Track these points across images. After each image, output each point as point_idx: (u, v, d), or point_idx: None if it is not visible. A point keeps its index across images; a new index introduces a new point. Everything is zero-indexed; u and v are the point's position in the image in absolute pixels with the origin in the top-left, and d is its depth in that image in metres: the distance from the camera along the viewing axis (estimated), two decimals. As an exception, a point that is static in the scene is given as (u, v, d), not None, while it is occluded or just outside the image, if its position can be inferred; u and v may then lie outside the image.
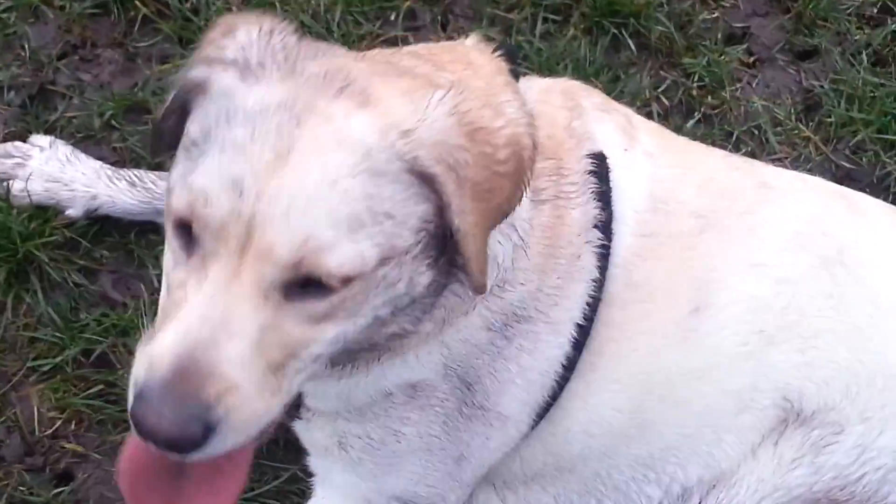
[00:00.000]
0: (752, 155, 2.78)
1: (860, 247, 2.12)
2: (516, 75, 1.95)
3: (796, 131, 2.86)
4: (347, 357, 1.82)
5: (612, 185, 1.94)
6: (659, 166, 2.05)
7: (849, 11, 3.04)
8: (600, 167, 1.95)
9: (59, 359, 2.38)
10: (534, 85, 2.02)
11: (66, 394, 2.33)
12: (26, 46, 2.75)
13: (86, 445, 2.31)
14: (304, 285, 1.52)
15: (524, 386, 1.97)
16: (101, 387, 2.34)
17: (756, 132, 2.85)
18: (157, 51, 2.77)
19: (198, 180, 1.50)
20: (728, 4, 3.04)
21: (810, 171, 2.68)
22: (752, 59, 2.99)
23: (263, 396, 1.54)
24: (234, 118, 1.55)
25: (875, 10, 3.07)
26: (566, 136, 1.94)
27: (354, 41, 2.78)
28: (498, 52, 1.93)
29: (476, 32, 2.05)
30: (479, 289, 1.67)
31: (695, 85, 2.89)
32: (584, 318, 1.93)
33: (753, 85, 2.95)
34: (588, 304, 1.93)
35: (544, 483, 2.16)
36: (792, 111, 2.89)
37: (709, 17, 3.01)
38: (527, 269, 1.86)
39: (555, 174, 1.90)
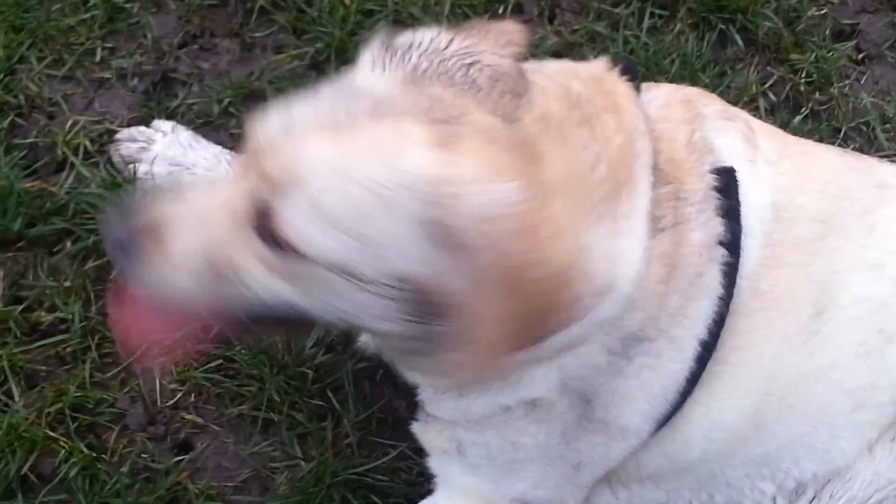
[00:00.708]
0: (861, 151, 2.78)
1: None
2: (638, 88, 1.98)
3: (908, 129, 2.88)
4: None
5: (740, 199, 1.96)
6: (779, 173, 2.06)
7: None
8: (727, 182, 1.96)
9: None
10: (654, 99, 2.03)
11: (186, 367, 2.41)
12: (148, 36, 2.85)
13: (204, 417, 2.39)
14: (263, 228, 1.61)
15: (646, 399, 1.99)
16: (220, 361, 2.41)
17: (864, 128, 2.89)
18: (272, 41, 2.85)
19: (268, 113, 1.64)
20: (836, 1, 3.08)
21: None
22: (860, 56, 3.04)
23: (188, 276, 1.70)
24: (338, 88, 1.65)
25: None
26: (687, 153, 1.95)
27: None
28: (620, 72, 1.95)
29: (604, 57, 2.04)
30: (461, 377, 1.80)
31: (802, 81, 2.93)
32: (710, 334, 1.95)
33: (862, 81, 2.99)
34: (715, 318, 1.94)
35: (658, 481, 2.18)
36: (902, 108, 2.92)
37: (817, 13, 3.05)
38: (645, 296, 1.88)
39: (673, 199, 1.90)
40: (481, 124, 1.62)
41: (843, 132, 2.84)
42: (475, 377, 1.80)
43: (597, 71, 1.95)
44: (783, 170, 2.06)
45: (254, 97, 2.75)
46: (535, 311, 1.59)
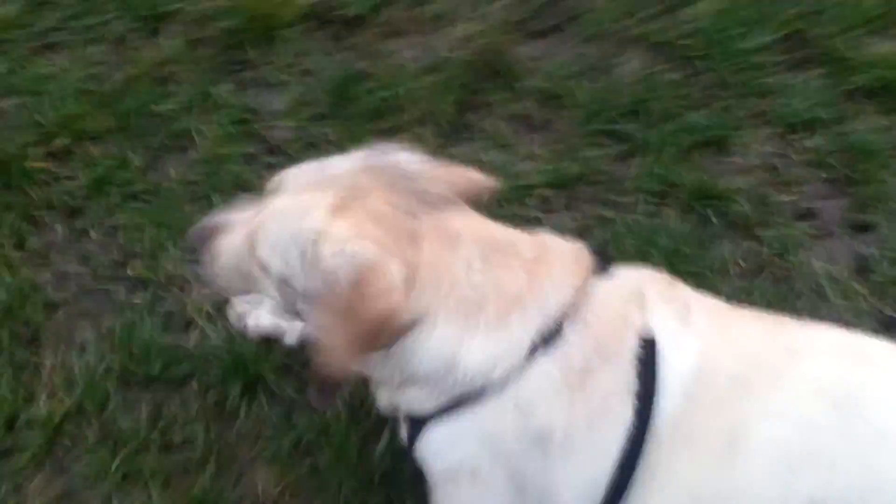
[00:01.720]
0: (814, 304, 3.31)
1: (869, 387, 2.48)
2: (604, 268, 2.51)
3: (851, 288, 3.39)
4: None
5: (657, 365, 2.40)
6: (707, 341, 2.49)
7: None
8: (649, 352, 2.41)
9: (277, 447, 3.04)
10: (617, 276, 2.52)
11: (283, 472, 2.98)
12: None
13: None
14: None
15: (577, 491, 2.41)
16: (308, 466, 2.99)
17: (816, 288, 3.38)
18: None
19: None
20: (797, 190, 3.65)
21: (860, 319, 3.25)
22: (816, 233, 3.55)
23: (224, 274, 2.60)
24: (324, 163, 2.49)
25: None
26: (614, 320, 2.41)
27: (499, 219, 3.51)
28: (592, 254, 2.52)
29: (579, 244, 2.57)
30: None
31: (767, 251, 3.46)
32: (628, 452, 2.36)
33: (816, 252, 3.50)
34: (631, 442, 2.36)
35: None
36: (847, 272, 3.44)
37: (781, 198, 3.62)
38: (547, 398, 2.34)
39: (591, 341, 2.36)
40: (375, 207, 2.29)
41: (798, 291, 3.36)
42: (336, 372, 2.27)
43: (571, 247, 2.53)
44: (708, 338, 2.50)
45: None
46: (365, 334, 2.21)
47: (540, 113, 3.91)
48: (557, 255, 2.48)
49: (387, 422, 2.97)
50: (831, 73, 3.98)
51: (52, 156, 3.72)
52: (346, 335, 2.21)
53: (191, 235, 2.59)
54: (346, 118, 3.86)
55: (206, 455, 3.06)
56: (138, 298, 3.39)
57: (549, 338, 2.36)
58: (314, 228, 2.27)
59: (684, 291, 2.64)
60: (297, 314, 2.46)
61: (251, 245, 2.41)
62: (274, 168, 3.55)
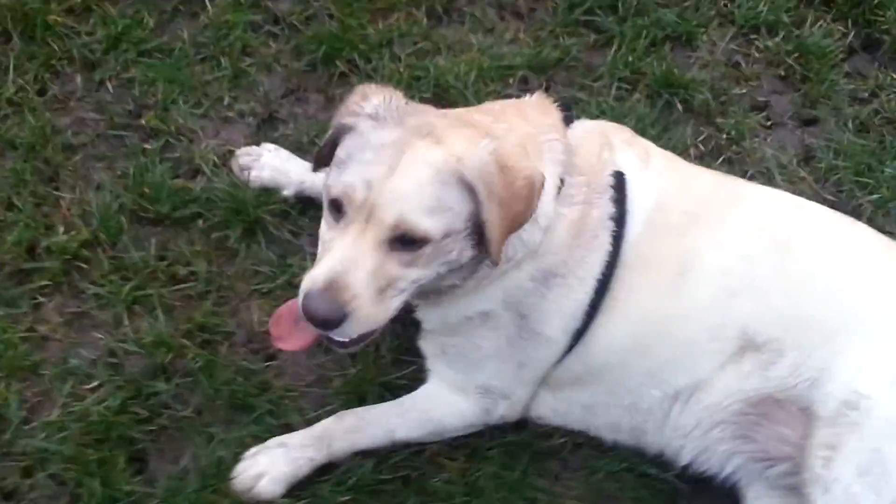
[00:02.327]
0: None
1: (802, 234, 2.75)
2: (570, 119, 2.75)
3: (796, 173, 3.54)
4: (425, 295, 2.65)
5: (626, 192, 2.67)
6: (665, 181, 2.75)
7: (844, 92, 3.75)
8: (620, 182, 2.69)
9: (272, 284, 3.17)
10: (581, 126, 2.78)
11: (276, 306, 2.95)
12: (261, 89, 3.59)
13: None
14: (400, 243, 2.40)
15: (562, 318, 2.70)
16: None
17: (765, 172, 3.52)
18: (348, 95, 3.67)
19: (347, 178, 2.42)
20: (754, 84, 3.77)
21: None
22: (768, 123, 3.69)
23: (374, 305, 2.41)
24: (366, 147, 2.44)
25: (866, 94, 3.78)
26: (596, 161, 2.69)
27: (482, 96, 3.56)
28: (557, 104, 2.74)
29: (539, 91, 2.82)
30: (495, 262, 2.48)
31: (724, 137, 3.59)
32: (603, 276, 2.65)
33: (767, 140, 3.63)
34: (606, 266, 2.65)
35: (582, 385, 2.83)
36: (794, 159, 3.58)
37: (739, 91, 3.74)
38: (559, 245, 2.63)
39: (585, 186, 2.65)
40: (443, 123, 2.48)
41: (749, 174, 3.49)
42: (494, 265, 2.52)
43: (534, 100, 2.74)
44: (668, 179, 2.75)
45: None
46: (518, 213, 2.43)
47: (524, 2, 3.96)
48: (530, 109, 2.72)
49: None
50: (792, -19, 4.03)
51: (71, 12, 3.73)
52: (505, 220, 2.42)
53: (315, 320, 2.43)
54: (345, -2, 3.88)
55: (207, 288, 3.18)
56: (150, 145, 3.45)
57: (560, 188, 2.62)
58: (444, 161, 2.39)
59: (644, 141, 2.90)
60: (452, 267, 2.52)
61: (384, 252, 2.41)
62: (277, 37, 3.62)
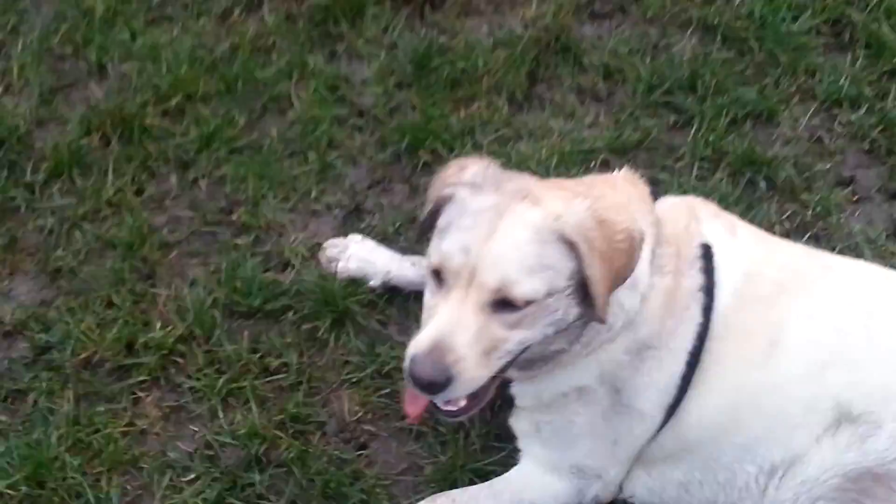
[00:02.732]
0: None
1: (892, 304, 2.74)
2: (655, 195, 2.80)
3: (886, 248, 3.49)
4: (531, 364, 2.66)
5: (714, 264, 2.69)
6: (752, 252, 2.77)
7: None
8: (707, 253, 2.71)
9: (362, 374, 3.21)
10: (667, 200, 2.85)
11: (366, 395, 3.15)
12: (347, 181, 3.69)
13: (377, 428, 3.11)
14: (503, 305, 2.43)
15: (656, 391, 2.69)
16: (388, 390, 3.15)
17: (854, 247, 3.47)
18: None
19: (445, 246, 2.47)
20: (838, 159, 3.74)
21: None
22: (855, 198, 3.65)
23: (479, 368, 2.45)
24: (465, 214, 2.50)
25: None
26: (684, 233, 2.72)
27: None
28: (642, 179, 2.80)
29: (626, 167, 2.86)
30: (601, 320, 2.51)
31: (810, 214, 3.56)
32: (694, 348, 2.66)
33: (855, 215, 3.59)
34: (697, 338, 2.66)
35: (676, 461, 2.80)
36: (883, 234, 3.53)
37: (823, 166, 3.71)
38: (653, 316, 2.65)
39: (674, 256, 2.68)
40: (538, 187, 2.55)
41: (837, 249, 3.43)
42: (601, 322, 2.54)
43: (622, 174, 2.80)
44: (756, 251, 2.76)
45: (416, 220, 3.45)
46: (620, 266, 2.47)
47: (603, 86, 4.02)
48: (619, 183, 2.76)
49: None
50: (873, 55, 4.04)
51: (166, 114, 3.90)
52: (607, 274, 2.46)
53: (420, 384, 2.48)
54: (427, 87, 3.99)
55: (299, 379, 3.24)
56: (242, 241, 3.56)
57: (652, 260, 2.65)
58: (543, 221, 2.45)
59: (730, 215, 2.91)
60: (559, 327, 2.55)
61: (487, 315, 2.45)
62: (362, 130, 3.72)
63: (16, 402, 3.19)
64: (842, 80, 3.94)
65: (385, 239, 3.55)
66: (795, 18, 4.13)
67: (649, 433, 2.76)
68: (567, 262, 2.45)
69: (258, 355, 3.29)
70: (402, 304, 3.38)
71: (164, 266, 3.51)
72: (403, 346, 3.01)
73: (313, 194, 3.70)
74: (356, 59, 4.12)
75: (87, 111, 3.88)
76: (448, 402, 2.61)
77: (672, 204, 2.84)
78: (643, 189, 2.78)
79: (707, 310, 2.66)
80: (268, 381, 3.24)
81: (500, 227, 2.43)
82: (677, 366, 2.68)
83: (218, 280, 3.45)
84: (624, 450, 2.81)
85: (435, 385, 2.44)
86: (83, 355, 3.25)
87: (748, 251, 2.77)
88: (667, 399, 2.70)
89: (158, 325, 3.34)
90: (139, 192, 3.72)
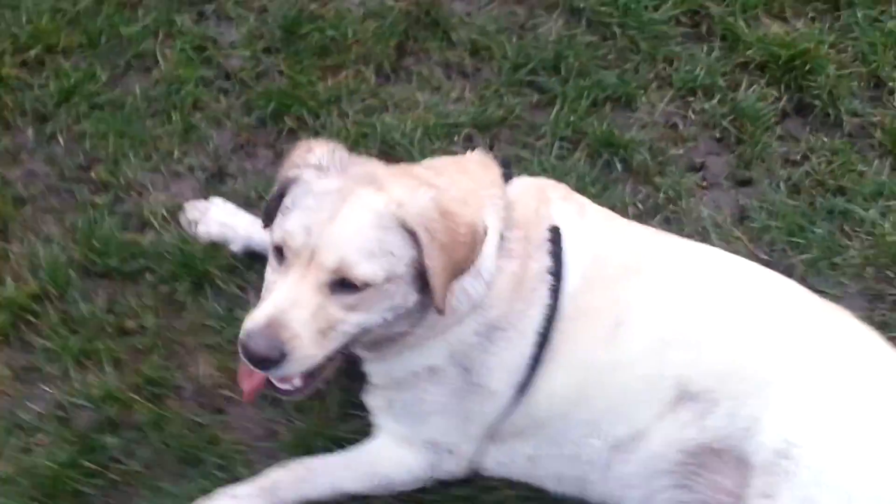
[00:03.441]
0: None
1: (733, 289, 2.85)
2: (509, 176, 2.85)
3: (731, 233, 3.63)
4: (378, 345, 2.72)
5: (563, 247, 2.76)
6: (601, 235, 2.85)
7: (777, 155, 3.86)
8: (556, 236, 2.77)
9: (220, 338, 3.21)
10: (519, 182, 2.88)
11: (224, 360, 3.15)
12: (211, 144, 3.65)
13: (234, 393, 3.08)
14: (342, 286, 2.47)
15: (506, 371, 2.77)
16: None
17: (702, 231, 3.61)
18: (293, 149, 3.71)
19: (288, 225, 2.50)
20: (691, 145, 3.87)
21: None
22: (705, 183, 3.79)
23: (314, 346, 2.48)
24: (309, 195, 2.53)
25: (798, 156, 3.88)
26: (534, 216, 2.78)
27: (428, 153, 3.58)
28: (496, 161, 2.85)
29: (479, 148, 2.93)
30: (440, 311, 2.57)
31: (662, 196, 3.69)
32: (543, 329, 2.73)
33: (704, 200, 3.73)
34: (546, 319, 2.73)
35: (525, 437, 2.88)
36: (729, 219, 3.68)
37: (677, 152, 3.84)
38: (501, 298, 2.72)
39: (523, 240, 2.74)
40: (385, 173, 2.59)
41: (686, 232, 3.54)
42: (440, 312, 2.57)
43: (475, 157, 2.86)
44: (602, 232, 2.84)
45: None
46: (460, 259, 2.52)
47: (470, 61, 4.06)
48: (476, 165, 2.83)
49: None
50: (728, 47, 4.16)
51: (25, 65, 3.78)
52: (447, 265, 2.50)
53: (253, 358, 2.48)
54: (295, 53, 3.96)
55: (155, 341, 3.22)
56: (100, 199, 3.50)
57: (500, 244, 2.70)
58: (385, 207, 2.48)
59: (580, 197, 2.98)
60: (396, 312, 2.59)
61: (325, 295, 2.48)
62: (227, 93, 3.69)
63: None
64: (697, 70, 4.06)
65: (247, 204, 3.53)
66: (657, 8, 4.22)
67: (500, 410, 2.83)
68: (407, 250, 2.50)
69: (114, 316, 3.25)
70: (262, 269, 3.27)
71: (18, 221, 3.44)
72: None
73: (175, 155, 3.65)
74: (225, 21, 4.06)
75: (-63, 57, 3.71)
76: (283, 380, 2.63)
77: (524, 187, 2.88)
78: (495, 172, 2.83)
79: (555, 291, 2.73)
80: (124, 343, 3.21)
81: (343, 210, 2.47)
82: (527, 346, 2.75)
83: (74, 238, 3.39)
84: (475, 426, 2.88)
85: (268, 361, 2.45)
86: (-71, 309, 3.13)
87: (597, 233, 2.85)
88: (517, 378, 2.78)
89: (10, 281, 3.26)
90: (-7, 144, 3.59)
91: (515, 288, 2.72)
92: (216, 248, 3.40)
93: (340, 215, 2.46)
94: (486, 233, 2.60)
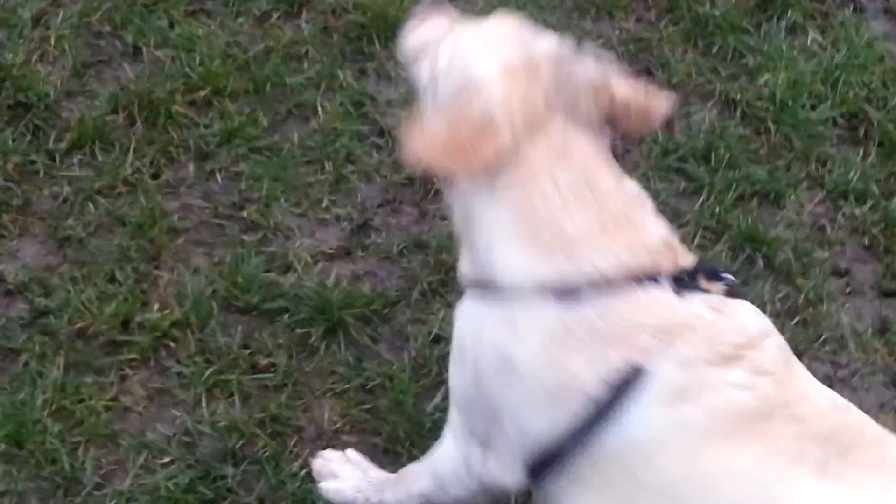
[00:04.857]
0: (834, 352, 3.50)
1: None
2: (690, 284, 2.20)
3: (871, 343, 3.56)
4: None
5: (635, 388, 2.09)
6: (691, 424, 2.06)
7: None
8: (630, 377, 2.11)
9: (346, 385, 3.27)
10: (689, 298, 2.16)
11: (347, 408, 3.21)
12: (359, 196, 3.75)
13: (354, 440, 3.15)
14: None
15: None
16: (370, 406, 3.21)
17: (840, 339, 3.55)
18: (440, 211, 3.69)
19: None
20: (837, 249, 3.82)
21: (874, 373, 3.47)
22: (848, 290, 3.73)
23: None
24: None
25: None
26: (629, 338, 2.11)
27: None
28: None
29: None
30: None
31: (802, 298, 3.63)
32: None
33: (845, 307, 3.67)
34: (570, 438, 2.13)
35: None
36: (869, 329, 3.60)
37: (822, 255, 3.79)
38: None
39: (590, 340, 2.12)
40: (529, 88, 2.22)
41: (823, 338, 3.53)
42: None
43: (662, 236, 2.31)
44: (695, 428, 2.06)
45: (422, 245, 3.64)
46: (450, 147, 2.14)
47: (620, 142, 4.09)
48: (641, 235, 2.22)
49: (443, 381, 3.16)
50: (885, 154, 4.13)
51: (193, 104, 3.96)
52: (440, 139, 2.16)
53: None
54: (450, 117, 4.05)
55: (284, 381, 3.29)
56: (249, 237, 3.63)
57: (567, 293, 2.13)
58: (480, 66, 2.21)
59: (732, 372, 2.06)
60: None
61: (437, 40, 2.40)
62: (380, 149, 3.82)
63: (7, 360, 3.25)
64: (851, 174, 4.02)
65: (388, 258, 3.63)
66: (814, 107, 4.21)
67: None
68: None
69: (248, 351, 3.34)
70: (397, 323, 3.45)
71: (170, 250, 3.57)
72: (391, 364, 3.12)
73: (324, 203, 3.75)
74: (384, 80, 4.19)
75: (116, 90, 3.94)
76: None
77: (670, 303, 2.21)
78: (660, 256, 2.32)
79: (600, 416, 2.15)
80: (254, 379, 3.30)
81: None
82: (546, 434, 2.24)
83: (220, 272, 3.51)
84: (510, 423, 2.33)
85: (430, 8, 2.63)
86: (79, 325, 3.30)
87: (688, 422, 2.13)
88: None
89: (156, 306, 3.40)
90: (156, 176, 3.78)
91: (550, 347, 2.15)
92: (353, 296, 3.47)
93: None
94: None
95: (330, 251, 3.63)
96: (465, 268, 2.35)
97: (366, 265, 3.65)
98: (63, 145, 3.78)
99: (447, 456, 2.51)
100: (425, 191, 3.86)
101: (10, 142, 3.76)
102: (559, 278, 2.12)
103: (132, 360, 3.28)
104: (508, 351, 2.16)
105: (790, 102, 4.16)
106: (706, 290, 2.16)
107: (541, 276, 2.14)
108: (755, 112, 4.19)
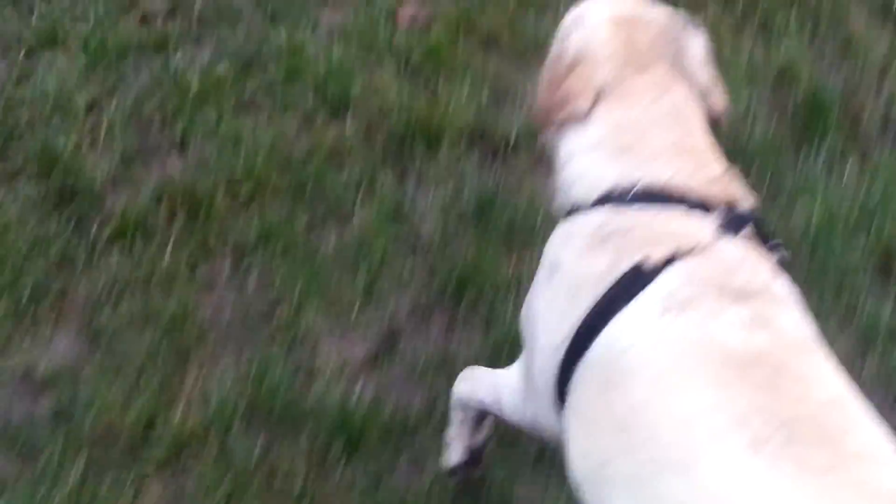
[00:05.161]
0: None
1: None
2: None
3: None
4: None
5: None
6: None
7: None
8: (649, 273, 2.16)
9: (362, 504, 3.34)
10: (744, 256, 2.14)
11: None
12: (391, 303, 3.75)
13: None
14: None
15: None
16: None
17: None
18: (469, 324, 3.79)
19: None
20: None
21: None
22: None
23: None
24: None
25: None
26: (657, 244, 2.15)
27: None
28: None
29: None
30: None
31: None
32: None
33: None
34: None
35: None
36: None
37: None
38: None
39: (622, 241, 2.20)
40: (637, 34, 2.46)
41: None
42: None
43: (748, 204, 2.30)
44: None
45: (448, 363, 3.61)
46: (553, 99, 2.43)
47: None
48: (708, 169, 2.27)
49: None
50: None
51: (235, 199, 4.01)
52: (545, 95, 2.49)
53: None
54: (486, 228, 4.09)
55: (303, 495, 3.29)
56: (278, 339, 3.66)
57: (621, 196, 2.21)
58: (591, 18, 2.49)
59: (736, 309, 1.96)
60: None
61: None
62: (415, 254, 3.86)
63: (29, 455, 3.28)
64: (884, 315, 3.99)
65: (413, 374, 3.61)
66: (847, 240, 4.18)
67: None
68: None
69: (267, 462, 3.35)
70: (417, 443, 3.44)
71: (199, 349, 3.61)
72: (408, 488, 3.13)
73: (355, 310, 3.77)
74: (424, 186, 4.22)
75: (161, 181, 4.01)
76: None
77: (723, 256, 2.22)
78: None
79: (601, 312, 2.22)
80: (271, 490, 3.30)
81: None
82: (562, 334, 2.29)
83: (247, 375, 3.54)
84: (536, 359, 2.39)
85: None
86: (103, 425, 3.34)
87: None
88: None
89: (181, 406, 3.44)
90: (192, 269, 3.82)
91: (589, 248, 2.20)
92: (376, 411, 3.47)
93: None
94: None
95: (357, 360, 3.64)
96: (557, 202, 2.44)
97: (391, 377, 3.65)
98: (105, 234, 3.84)
99: (510, 380, 2.57)
100: (457, 301, 3.85)
101: (54, 228, 3.80)
102: (621, 181, 2.21)
103: (151, 463, 3.30)
104: (559, 255, 2.26)
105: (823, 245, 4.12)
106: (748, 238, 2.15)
107: (608, 182, 2.24)
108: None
